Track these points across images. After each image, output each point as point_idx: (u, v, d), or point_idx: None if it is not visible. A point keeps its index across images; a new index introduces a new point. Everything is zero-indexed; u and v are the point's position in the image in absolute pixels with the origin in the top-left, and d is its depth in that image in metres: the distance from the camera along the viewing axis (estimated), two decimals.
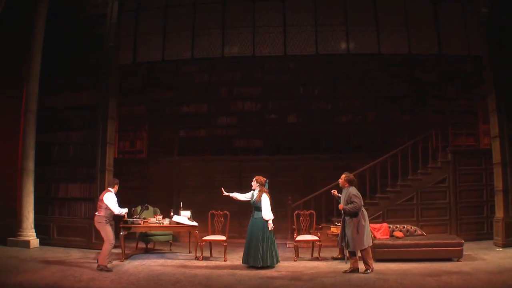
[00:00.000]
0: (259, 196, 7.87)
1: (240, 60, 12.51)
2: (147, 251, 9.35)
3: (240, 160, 11.55)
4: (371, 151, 11.48)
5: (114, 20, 9.94)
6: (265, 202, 7.84)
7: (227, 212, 8.95)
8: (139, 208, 9.17)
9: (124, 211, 8.10)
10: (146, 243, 9.42)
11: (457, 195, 10.16)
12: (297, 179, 11.44)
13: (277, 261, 7.82)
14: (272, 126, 12.34)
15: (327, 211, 10.22)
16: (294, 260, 8.39)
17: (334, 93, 12.36)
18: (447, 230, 10.06)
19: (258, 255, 7.62)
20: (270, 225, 7.76)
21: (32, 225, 9.36)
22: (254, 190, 8.03)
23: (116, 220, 8.37)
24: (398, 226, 8.82)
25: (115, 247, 8.37)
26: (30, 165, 9.43)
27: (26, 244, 9.11)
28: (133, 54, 12.52)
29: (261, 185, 7.99)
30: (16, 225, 9.27)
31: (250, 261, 7.71)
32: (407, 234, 8.67)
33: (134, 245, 9.50)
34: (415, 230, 8.74)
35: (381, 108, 12.18)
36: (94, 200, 9.42)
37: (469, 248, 8.68)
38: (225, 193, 8.20)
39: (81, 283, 6.59)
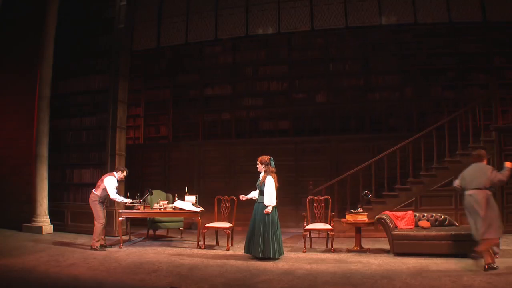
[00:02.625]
0: (264, 178, 6.83)
1: (264, 38, 11.39)
2: (156, 239, 8.71)
3: (262, 143, 10.47)
4: (406, 131, 9.92)
5: (124, 2, 9.39)
6: (269, 185, 6.77)
7: (234, 198, 8.00)
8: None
9: (122, 199, 7.71)
10: (154, 230, 8.78)
11: None
12: (324, 163, 10.19)
13: (280, 254, 6.77)
14: (300, 106, 11.10)
15: (353, 197, 8.89)
16: (303, 252, 7.31)
17: (367, 68, 10.82)
18: None
19: (259, 246, 6.64)
20: (268, 210, 6.69)
21: (46, 211, 9.09)
22: (260, 171, 7.00)
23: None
24: (425, 214, 7.41)
25: (125, 233, 8.36)
26: (44, 151, 9.15)
27: (39, 230, 8.87)
28: (157, 39, 11.90)
29: (266, 165, 6.95)
30: (30, 211, 9.06)
31: (251, 251, 6.74)
32: (436, 224, 7.23)
33: (145, 231, 8.97)
34: (445, 220, 7.28)
35: (419, 83, 10.49)
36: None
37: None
38: (244, 198, 7.16)
39: (58, 268, 6.14)
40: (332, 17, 10.92)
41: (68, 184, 9.41)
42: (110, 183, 7.54)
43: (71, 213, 9.19)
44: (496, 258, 6.00)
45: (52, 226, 9.14)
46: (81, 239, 8.39)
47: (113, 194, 7.53)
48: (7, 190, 9.50)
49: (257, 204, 6.91)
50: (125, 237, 8.61)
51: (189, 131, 11.73)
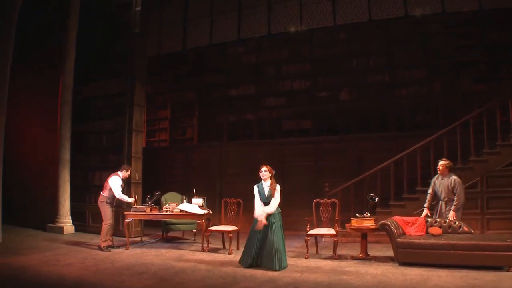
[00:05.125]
0: (274, 189, 6.23)
1: (286, 36, 10.89)
2: (168, 240, 8.58)
3: (281, 143, 10.04)
4: (434, 128, 8.95)
5: (139, 7, 9.39)
6: (279, 192, 6.27)
7: (240, 200, 7.71)
8: (163, 197, 8.58)
9: (127, 198, 7.72)
10: (166, 232, 8.67)
11: None
12: (344, 163, 9.53)
13: (282, 267, 6.08)
14: (322, 104, 10.50)
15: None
16: (305, 258, 6.80)
17: (392, 63, 9.98)
18: None
19: (275, 258, 6.03)
20: (262, 217, 6.10)
21: (68, 212, 9.29)
22: (264, 181, 6.35)
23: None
24: (438, 220, 6.62)
25: (144, 234, 8.63)
26: (66, 155, 9.35)
27: (61, 230, 9.09)
28: (183, 42, 11.83)
29: (273, 175, 6.39)
30: (54, 212, 9.29)
31: (263, 263, 6.11)
32: (449, 231, 6.41)
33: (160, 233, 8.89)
34: (460, 226, 6.43)
35: (447, 77, 9.50)
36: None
37: None
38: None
39: (53, 267, 6.19)
40: (355, 10, 10.22)
41: (89, 186, 9.54)
42: (114, 182, 7.58)
43: (92, 214, 9.29)
44: None
45: (73, 226, 9.33)
46: (97, 239, 8.37)
47: (119, 193, 7.58)
48: (34, 192, 9.85)
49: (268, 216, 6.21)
50: (137, 239, 8.63)
51: (214, 132, 11.51)
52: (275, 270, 5.95)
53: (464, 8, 9.22)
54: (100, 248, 7.43)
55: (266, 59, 11.22)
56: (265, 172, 6.35)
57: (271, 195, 6.22)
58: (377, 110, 9.99)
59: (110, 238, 7.66)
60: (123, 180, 7.78)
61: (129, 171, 7.90)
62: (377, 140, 9.39)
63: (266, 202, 6.26)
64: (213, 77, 11.69)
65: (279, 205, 6.30)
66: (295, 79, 10.89)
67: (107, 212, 7.55)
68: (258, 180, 6.49)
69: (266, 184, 6.33)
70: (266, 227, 6.17)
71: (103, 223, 7.53)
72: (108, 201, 7.60)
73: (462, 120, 7.87)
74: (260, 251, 6.22)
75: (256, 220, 6.23)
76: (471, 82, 9.38)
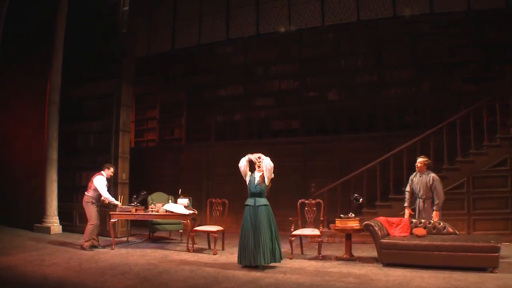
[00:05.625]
0: (263, 178, 6.15)
1: (275, 36, 10.72)
2: (155, 241, 8.51)
3: (269, 143, 9.92)
4: (421, 128, 8.91)
5: (127, 7, 9.32)
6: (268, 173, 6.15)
7: (226, 201, 7.64)
8: (149, 197, 8.50)
9: (112, 199, 7.66)
10: (152, 232, 8.59)
11: None
12: (332, 163, 9.47)
13: (267, 262, 6.04)
14: (311, 104, 10.45)
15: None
16: (290, 258, 6.73)
17: (380, 63, 9.94)
18: (508, 226, 7.36)
19: (276, 251, 6.06)
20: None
21: (56, 212, 9.20)
22: (258, 171, 6.25)
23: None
24: (423, 221, 6.56)
25: (131, 234, 8.63)
26: (54, 155, 9.25)
27: (48, 230, 9.00)
28: (172, 41, 11.76)
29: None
30: (41, 212, 9.19)
31: (261, 260, 5.94)
32: (433, 231, 6.35)
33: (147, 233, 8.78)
34: (445, 227, 6.37)
35: (437, 77, 9.45)
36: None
37: None
38: None
39: (38, 267, 6.14)
40: (343, 11, 10.06)
41: (77, 186, 9.41)
42: (99, 182, 7.53)
43: (79, 214, 9.12)
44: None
45: (61, 226, 9.24)
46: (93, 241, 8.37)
47: (105, 193, 7.55)
48: (23, 192, 9.75)
49: (253, 208, 6.15)
50: (124, 239, 8.56)
51: (202, 133, 11.43)
52: (258, 266, 5.91)
53: (453, 8, 9.14)
54: (82, 248, 7.37)
55: (255, 59, 11.16)
56: (260, 162, 6.25)
57: (260, 184, 6.16)
58: (366, 110, 9.94)
59: (96, 238, 7.62)
60: (107, 179, 7.72)
61: (112, 169, 7.83)
62: (366, 140, 9.32)
63: (254, 192, 6.19)
64: (203, 77, 11.62)
65: (267, 198, 6.25)
66: (284, 79, 10.84)
67: (91, 213, 7.50)
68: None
69: (258, 174, 6.26)
70: (253, 221, 6.08)
71: (88, 224, 7.46)
72: (93, 201, 7.55)
73: (449, 121, 7.82)
74: (257, 248, 6.01)
75: (244, 218, 6.17)
76: (460, 82, 9.37)
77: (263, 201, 6.16)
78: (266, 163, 6.19)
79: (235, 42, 11.18)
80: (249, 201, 6.23)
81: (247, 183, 6.31)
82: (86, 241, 7.40)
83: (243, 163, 6.32)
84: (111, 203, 7.69)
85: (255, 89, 11.12)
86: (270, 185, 6.31)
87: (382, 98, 9.88)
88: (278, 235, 6.23)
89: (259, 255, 5.96)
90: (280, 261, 6.14)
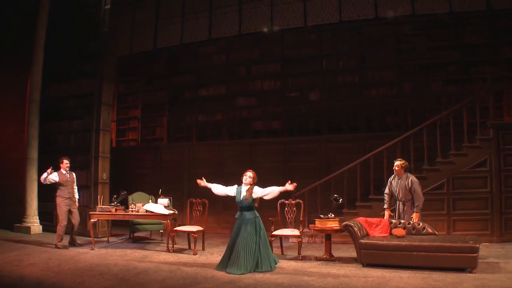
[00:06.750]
0: (251, 189, 6.03)
1: (257, 36, 10.75)
2: (135, 241, 8.36)
3: (250, 144, 9.86)
4: (402, 129, 8.92)
5: (108, 5, 9.13)
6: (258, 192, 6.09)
7: (206, 201, 7.53)
8: (129, 197, 8.38)
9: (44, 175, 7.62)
10: (133, 232, 8.47)
11: (501, 182, 7.34)
12: (313, 164, 9.36)
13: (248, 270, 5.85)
14: (293, 105, 10.38)
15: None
16: None
17: (362, 64, 9.91)
18: (488, 227, 7.39)
19: (266, 260, 5.93)
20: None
21: (36, 212, 9.04)
22: (245, 185, 6.14)
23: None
24: (402, 221, 6.54)
25: (112, 235, 8.58)
26: (34, 154, 9.10)
27: (28, 230, 8.83)
28: (154, 41, 11.59)
29: (254, 183, 6.15)
30: (21, 212, 9.00)
31: (252, 267, 5.82)
32: (413, 232, 6.32)
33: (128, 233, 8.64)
34: (424, 228, 6.34)
35: (418, 78, 9.46)
36: (89, 188, 8.85)
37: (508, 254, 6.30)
38: (203, 184, 6.37)
39: (15, 268, 6.05)
40: (325, 11, 10.11)
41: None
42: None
43: None
44: None
45: (41, 226, 9.08)
46: (65, 239, 8.10)
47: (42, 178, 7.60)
48: (4, 192, 9.52)
49: (243, 220, 6.01)
50: (104, 239, 8.40)
51: (183, 132, 11.30)
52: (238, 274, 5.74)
53: (435, 10, 9.20)
54: (57, 247, 7.34)
55: (237, 59, 11.03)
56: (249, 178, 6.14)
57: (246, 199, 6.02)
58: (348, 111, 9.89)
59: (74, 236, 7.74)
60: (66, 171, 7.73)
61: (65, 161, 7.79)
62: (348, 141, 9.25)
63: (241, 206, 6.08)
64: (185, 77, 11.47)
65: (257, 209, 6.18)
66: (266, 79, 10.74)
67: (60, 213, 7.57)
68: (227, 180, 6.47)
69: (245, 188, 6.13)
70: (241, 231, 5.99)
71: (58, 224, 7.47)
72: (60, 196, 7.59)
73: (429, 122, 7.81)
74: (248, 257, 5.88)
75: (235, 224, 6.09)
76: (441, 84, 9.38)
77: (250, 214, 6.04)
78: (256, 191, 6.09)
79: (217, 41, 11.11)
80: (238, 215, 6.14)
81: (234, 194, 6.19)
82: (59, 240, 7.42)
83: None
84: (48, 179, 7.60)
85: (237, 89, 11.00)
86: (258, 198, 6.21)
87: (364, 99, 9.85)
88: (268, 245, 6.13)
89: (234, 266, 5.80)
90: (273, 268, 5.94)
